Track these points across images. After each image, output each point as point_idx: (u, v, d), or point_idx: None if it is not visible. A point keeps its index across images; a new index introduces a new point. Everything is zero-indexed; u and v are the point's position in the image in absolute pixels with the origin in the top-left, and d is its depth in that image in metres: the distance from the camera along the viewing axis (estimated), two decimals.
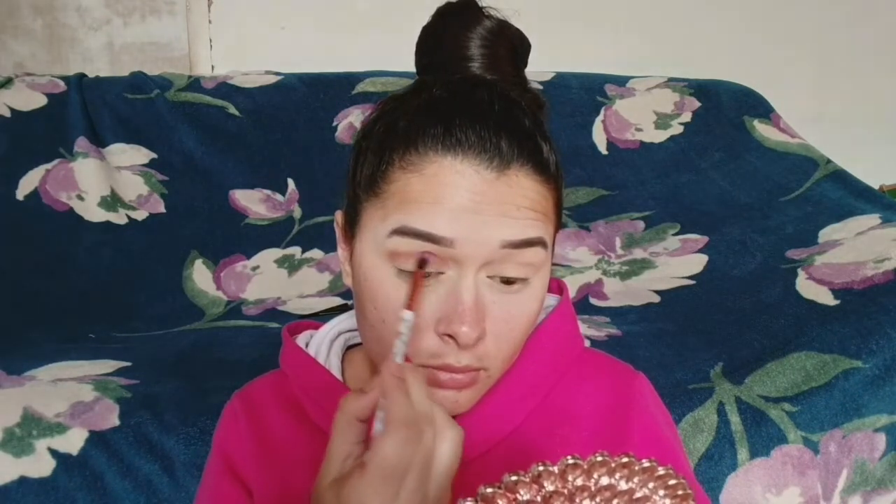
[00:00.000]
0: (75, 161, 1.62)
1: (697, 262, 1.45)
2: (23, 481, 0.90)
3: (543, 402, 0.64)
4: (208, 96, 1.77)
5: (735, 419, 1.02)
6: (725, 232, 1.52)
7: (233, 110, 1.76)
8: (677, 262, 1.47)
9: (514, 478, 0.43)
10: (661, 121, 1.85)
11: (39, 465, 0.91)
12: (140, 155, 1.68)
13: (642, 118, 1.86)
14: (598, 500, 0.42)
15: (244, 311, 1.43)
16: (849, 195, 1.54)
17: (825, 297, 1.18)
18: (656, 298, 1.34)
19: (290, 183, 1.70)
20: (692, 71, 1.98)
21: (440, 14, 0.64)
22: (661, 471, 0.43)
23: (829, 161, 1.67)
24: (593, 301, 1.39)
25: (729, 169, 1.74)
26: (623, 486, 0.43)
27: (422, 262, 0.55)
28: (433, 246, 0.55)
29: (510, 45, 0.63)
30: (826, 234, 1.40)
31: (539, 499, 0.42)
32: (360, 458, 0.48)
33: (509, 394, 0.62)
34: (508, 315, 0.58)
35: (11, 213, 1.53)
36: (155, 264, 1.53)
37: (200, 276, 1.52)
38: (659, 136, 1.83)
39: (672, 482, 0.43)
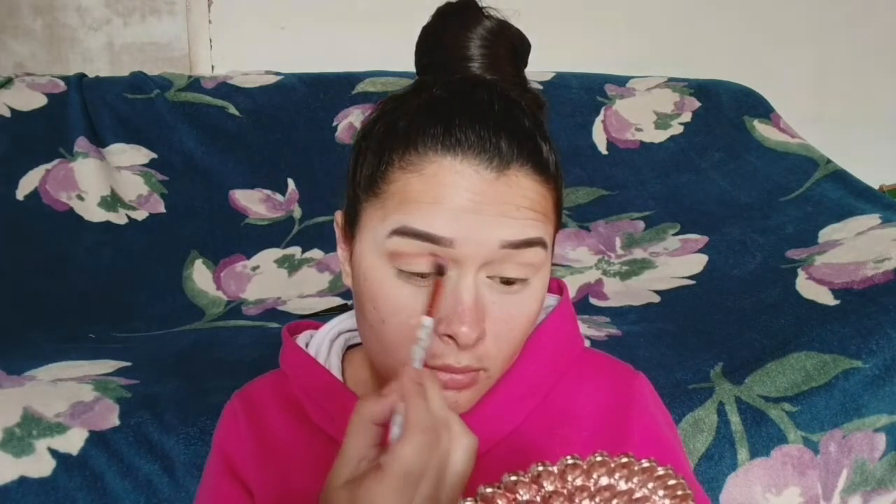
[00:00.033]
0: (75, 161, 1.62)
1: (697, 262, 1.45)
2: (23, 481, 0.90)
3: (543, 402, 0.64)
4: (208, 96, 1.77)
5: (735, 419, 1.02)
6: (725, 232, 1.52)
7: (233, 110, 1.76)
8: (677, 262, 1.47)
9: (513, 478, 0.43)
10: (661, 121, 1.85)
11: (39, 465, 0.91)
12: (140, 155, 1.68)
13: (642, 118, 1.86)
14: (597, 500, 0.42)
15: (244, 311, 1.43)
16: (849, 195, 1.54)
17: (825, 297, 1.18)
18: (656, 298, 1.34)
19: (290, 183, 1.70)
20: (692, 71, 1.97)
21: (440, 14, 0.64)
22: (660, 471, 0.43)
23: (829, 161, 1.67)
24: (593, 301, 1.39)
25: (729, 169, 1.73)
26: (622, 486, 0.43)
27: (440, 269, 0.55)
28: (433, 246, 0.54)
29: (510, 45, 0.63)
30: (826, 234, 1.40)
31: (538, 499, 0.42)
32: (375, 461, 0.48)
33: (509, 394, 0.62)
34: (508, 315, 0.58)
35: (11, 213, 1.53)
36: (155, 264, 1.53)
37: (200, 276, 1.52)
38: (659, 136, 1.83)
39: (671, 482, 0.43)
